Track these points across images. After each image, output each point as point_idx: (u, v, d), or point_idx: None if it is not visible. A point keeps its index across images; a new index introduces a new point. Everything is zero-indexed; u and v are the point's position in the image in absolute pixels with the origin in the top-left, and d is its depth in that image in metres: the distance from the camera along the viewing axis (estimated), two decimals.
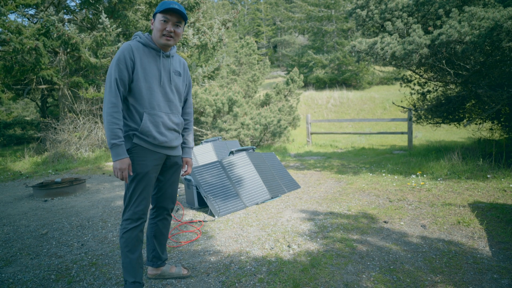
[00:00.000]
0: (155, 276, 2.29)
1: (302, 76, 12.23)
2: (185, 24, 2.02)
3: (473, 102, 6.86)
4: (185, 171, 2.26)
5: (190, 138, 2.28)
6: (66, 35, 7.21)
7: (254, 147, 4.72)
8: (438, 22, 5.32)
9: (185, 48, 9.10)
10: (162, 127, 1.99)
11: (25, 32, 6.92)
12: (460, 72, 5.85)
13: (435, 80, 6.61)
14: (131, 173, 1.90)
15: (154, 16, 1.99)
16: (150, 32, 8.00)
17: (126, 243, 1.96)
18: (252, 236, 3.02)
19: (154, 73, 1.96)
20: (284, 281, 2.20)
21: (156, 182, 2.15)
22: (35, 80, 9.43)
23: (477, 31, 4.57)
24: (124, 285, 1.99)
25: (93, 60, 7.91)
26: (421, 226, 3.07)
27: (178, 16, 1.93)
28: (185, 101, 2.24)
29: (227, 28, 10.01)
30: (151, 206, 2.24)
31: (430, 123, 7.57)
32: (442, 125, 8.85)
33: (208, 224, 3.40)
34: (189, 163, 2.26)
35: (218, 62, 10.19)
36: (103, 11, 8.00)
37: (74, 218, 3.78)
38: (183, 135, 2.26)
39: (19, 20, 9.42)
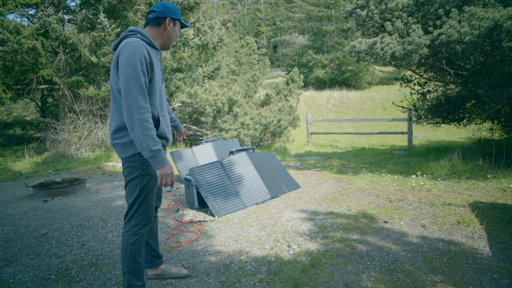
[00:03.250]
0: (156, 276, 2.29)
1: (302, 76, 12.24)
2: None
3: (473, 102, 6.86)
4: (183, 138, 2.52)
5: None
6: (64, 36, 7.21)
7: (254, 147, 4.72)
8: (438, 22, 5.32)
9: (185, 48, 9.11)
10: (169, 127, 2.05)
11: (24, 32, 6.92)
12: (460, 72, 5.85)
13: (435, 80, 6.62)
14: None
15: (173, 20, 1.97)
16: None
17: (137, 249, 1.92)
18: (252, 236, 3.02)
19: (159, 73, 1.97)
20: (284, 281, 2.20)
21: None
22: (35, 80, 9.43)
23: (477, 31, 4.57)
24: None
25: (94, 59, 7.91)
26: (421, 226, 3.07)
27: None
28: None
29: (227, 28, 10.02)
30: None
31: (430, 123, 7.57)
32: (442, 125, 8.85)
33: (208, 224, 3.40)
34: (184, 131, 2.52)
35: (218, 62, 10.19)
36: (102, 11, 8.00)
37: (74, 218, 3.78)
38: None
39: (18, 20, 9.42)
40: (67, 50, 8.40)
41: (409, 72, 7.83)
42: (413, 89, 7.51)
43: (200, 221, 3.48)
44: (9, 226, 3.59)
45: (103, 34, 7.60)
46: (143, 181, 1.90)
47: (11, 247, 2.98)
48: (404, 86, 7.48)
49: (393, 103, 9.46)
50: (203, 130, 10.09)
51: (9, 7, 7.28)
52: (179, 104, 10.28)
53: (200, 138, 10.33)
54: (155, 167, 1.74)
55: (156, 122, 1.90)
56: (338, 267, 2.36)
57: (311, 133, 10.29)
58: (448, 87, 7.16)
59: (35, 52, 6.92)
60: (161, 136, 1.94)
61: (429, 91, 7.38)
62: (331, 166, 6.46)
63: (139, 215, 1.92)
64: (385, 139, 11.70)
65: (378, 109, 17.36)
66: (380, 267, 2.34)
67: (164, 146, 2.04)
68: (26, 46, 6.71)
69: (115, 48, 1.87)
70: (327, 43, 27.25)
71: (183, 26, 2.08)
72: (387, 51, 5.34)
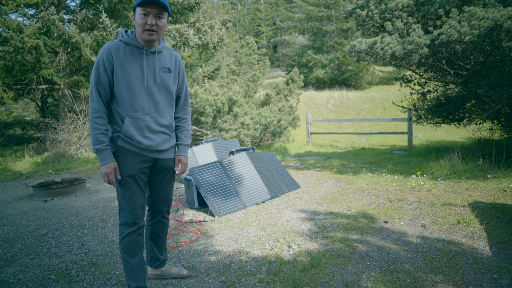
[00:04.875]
0: (155, 276, 2.28)
1: (302, 76, 12.23)
2: (168, 15, 1.91)
3: (473, 102, 6.86)
4: (177, 172, 2.14)
5: (184, 135, 2.14)
6: (67, 34, 7.21)
7: (254, 147, 4.72)
8: (438, 22, 5.32)
9: (186, 48, 9.11)
10: (147, 131, 1.90)
11: (26, 30, 6.93)
12: (460, 72, 5.85)
13: (435, 80, 6.62)
14: (119, 177, 1.88)
15: (134, 10, 1.85)
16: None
17: (125, 249, 1.92)
18: (252, 236, 3.02)
19: (136, 73, 1.86)
20: (284, 281, 2.20)
21: (149, 185, 2.10)
22: (35, 80, 9.44)
23: (477, 31, 4.57)
24: None
25: (94, 59, 7.91)
26: (421, 226, 3.07)
27: (158, 7, 1.80)
28: (179, 98, 2.11)
29: (227, 28, 10.02)
30: (147, 208, 2.20)
31: (430, 123, 7.57)
32: (442, 125, 8.85)
33: (208, 224, 3.40)
34: (182, 162, 2.11)
35: (218, 62, 10.18)
36: (103, 10, 8.01)
37: (74, 218, 3.78)
38: (176, 134, 2.14)
39: (20, 19, 9.42)
40: (68, 50, 8.40)
41: (409, 72, 7.83)
42: (413, 89, 7.51)
43: (200, 221, 3.48)
44: (9, 226, 3.59)
45: (104, 33, 7.61)
46: (117, 179, 1.93)
47: (11, 247, 2.98)
48: (404, 86, 7.48)
49: (393, 103, 9.46)
50: (203, 130, 10.09)
51: (10, 7, 7.28)
52: None
53: (200, 138, 10.33)
54: (99, 164, 1.87)
55: (121, 123, 1.88)
56: (338, 267, 2.36)
57: (311, 133, 10.29)
58: (448, 87, 7.16)
59: (38, 51, 6.92)
60: (128, 137, 1.88)
61: (429, 91, 7.38)
62: (331, 166, 6.46)
63: (122, 215, 1.94)
64: (385, 139, 11.70)
65: (378, 109, 17.35)
66: (380, 267, 2.34)
67: (151, 150, 1.95)
68: (29, 45, 6.72)
69: None
70: (327, 43, 27.25)
71: (143, 4, 1.79)
72: (387, 51, 5.34)
